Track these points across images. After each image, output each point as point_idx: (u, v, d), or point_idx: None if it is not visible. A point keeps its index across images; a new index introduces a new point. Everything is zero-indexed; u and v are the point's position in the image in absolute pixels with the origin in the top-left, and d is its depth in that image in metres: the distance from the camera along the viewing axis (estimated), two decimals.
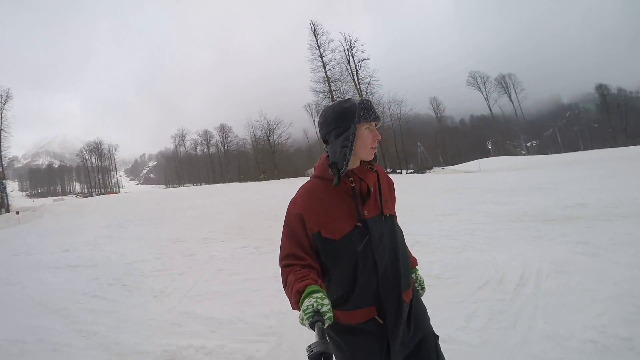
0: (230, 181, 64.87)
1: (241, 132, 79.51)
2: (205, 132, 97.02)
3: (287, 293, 1.67)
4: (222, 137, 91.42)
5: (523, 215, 9.45)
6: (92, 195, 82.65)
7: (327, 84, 51.71)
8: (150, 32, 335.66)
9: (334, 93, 51.37)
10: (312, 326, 1.42)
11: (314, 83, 52.62)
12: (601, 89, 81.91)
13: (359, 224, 1.80)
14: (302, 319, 1.46)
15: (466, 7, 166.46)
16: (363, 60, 53.58)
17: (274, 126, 63.58)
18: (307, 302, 1.47)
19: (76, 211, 23.36)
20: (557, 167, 27.50)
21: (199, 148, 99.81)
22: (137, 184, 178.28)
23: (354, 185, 1.84)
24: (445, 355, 1.98)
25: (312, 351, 1.30)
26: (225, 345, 4.19)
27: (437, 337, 1.97)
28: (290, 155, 74.18)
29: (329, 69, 52.38)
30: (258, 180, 48.80)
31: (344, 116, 1.79)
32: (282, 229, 1.88)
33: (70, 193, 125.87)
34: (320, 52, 52.86)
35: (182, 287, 6.52)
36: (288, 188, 22.10)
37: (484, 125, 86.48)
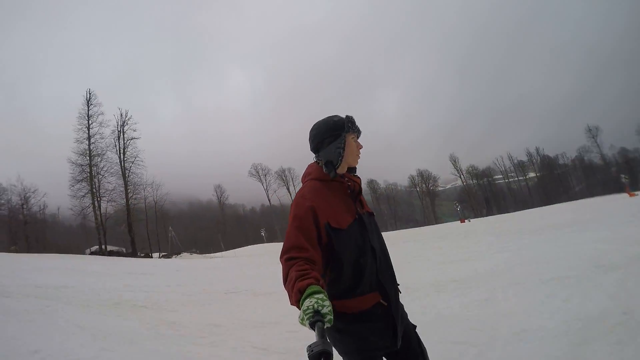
0: None
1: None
2: None
3: (287, 288, 1.69)
4: None
5: None
6: None
7: (87, 157, 49.07)
8: None
9: (93, 168, 48.94)
10: (312, 326, 1.43)
11: (75, 154, 49.25)
12: (372, 183, 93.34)
13: (357, 217, 2.08)
14: (303, 319, 1.47)
15: (264, 103, 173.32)
16: (132, 138, 52.98)
17: (29, 194, 56.69)
18: (307, 303, 1.48)
19: None
20: None
21: None
22: None
23: (349, 184, 2.17)
24: None
25: (312, 351, 1.30)
26: None
27: (415, 326, 2.22)
28: (55, 228, 67.60)
29: (93, 142, 50.05)
30: (9, 252, 43.46)
31: (335, 127, 2.15)
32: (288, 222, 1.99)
33: None
34: (88, 123, 50.34)
35: None
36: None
37: (269, 214, 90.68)
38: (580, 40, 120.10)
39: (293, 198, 2.20)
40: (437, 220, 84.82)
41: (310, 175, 2.21)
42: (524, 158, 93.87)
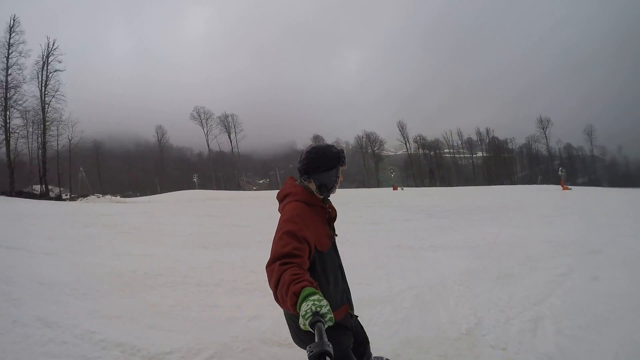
0: None
1: None
2: None
3: (279, 292, 1.71)
4: None
5: None
6: None
7: (3, 90, 44.81)
8: None
9: (9, 101, 44.75)
10: (312, 327, 1.45)
11: None
12: (317, 139, 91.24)
13: (333, 241, 2.38)
14: (304, 325, 1.48)
15: (217, 43, 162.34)
16: (56, 70, 49.43)
17: None
18: (304, 307, 1.50)
19: None
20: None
21: None
22: None
23: (330, 211, 2.42)
24: None
25: (312, 351, 1.32)
26: None
27: (357, 316, 2.61)
28: None
29: (10, 73, 45.55)
30: None
31: (333, 158, 2.36)
32: (277, 235, 2.05)
33: None
34: (8, 52, 45.87)
35: None
36: None
37: (219, 159, 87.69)
38: (557, 35, 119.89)
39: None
40: (379, 184, 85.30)
41: (295, 196, 2.31)
42: (474, 137, 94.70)
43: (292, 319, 2.26)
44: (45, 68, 49.46)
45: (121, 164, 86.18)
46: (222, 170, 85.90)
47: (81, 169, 58.17)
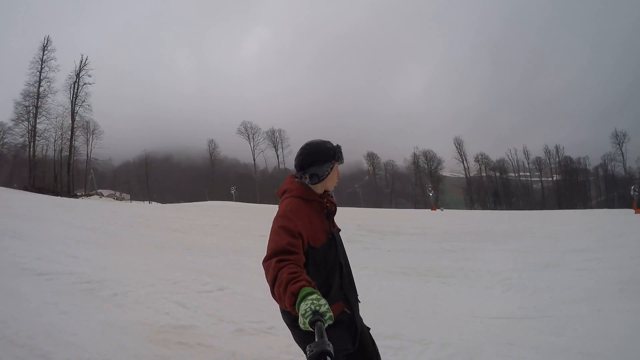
0: None
1: None
2: None
3: (276, 290, 1.75)
4: None
5: None
6: None
7: (35, 100, 51.67)
8: None
9: (38, 109, 51.72)
10: (312, 326, 1.48)
11: (21, 96, 52.01)
12: (371, 157, 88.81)
13: (329, 236, 2.28)
14: (304, 324, 1.51)
15: (270, 60, 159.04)
16: (85, 84, 56.26)
17: None
18: (303, 307, 1.53)
19: None
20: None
21: None
22: None
23: (328, 206, 2.36)
24: None
25: (312, 351, 1.35)
26: None
27: (369, 328, 2.48)
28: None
29: (42, 86, 52.48)
30: None
31: (328, 153, 2.31)
32: (271, 233, 2.07)
33: None
34: (41, 67, 52.80)
35: None
36: None
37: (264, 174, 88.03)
38: (626, 39, 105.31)
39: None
40: (437, 205, 78.88)
41: (292, 192, 2.28)
42: (541, 155, 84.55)
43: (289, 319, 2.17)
44: (77, 82, 56.52)
45: (185, 175, 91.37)
46: (267, 185, 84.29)
47: (91, 171, 66.46)
